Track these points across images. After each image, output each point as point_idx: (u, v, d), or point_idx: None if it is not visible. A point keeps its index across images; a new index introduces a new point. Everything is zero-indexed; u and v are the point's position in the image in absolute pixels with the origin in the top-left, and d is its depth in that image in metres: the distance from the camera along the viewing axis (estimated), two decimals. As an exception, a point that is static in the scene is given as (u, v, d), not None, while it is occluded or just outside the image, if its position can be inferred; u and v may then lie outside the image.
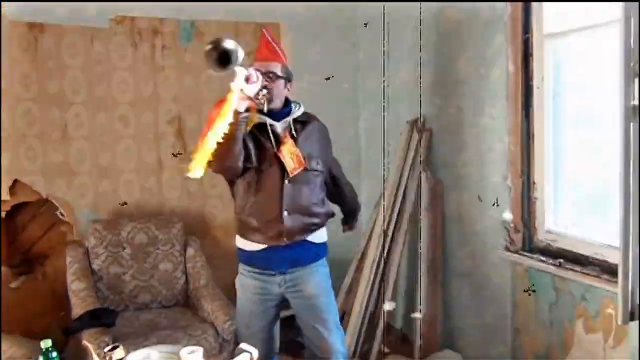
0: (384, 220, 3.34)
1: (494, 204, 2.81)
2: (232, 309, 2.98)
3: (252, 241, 2.31)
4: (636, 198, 1.75)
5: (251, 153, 2.19)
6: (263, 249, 2.30)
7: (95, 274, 3.19)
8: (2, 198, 3.22)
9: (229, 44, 1.88)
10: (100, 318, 2.76)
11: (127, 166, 3.50)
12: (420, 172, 3.25)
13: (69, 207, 3.38)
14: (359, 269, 3.47)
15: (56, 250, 3.38)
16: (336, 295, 3.45)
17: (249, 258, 2.36)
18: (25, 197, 3.30)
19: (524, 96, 2.64)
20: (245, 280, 2.39)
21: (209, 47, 1.87)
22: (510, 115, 2.67)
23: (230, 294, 3.35)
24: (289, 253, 2.29)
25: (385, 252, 3.35)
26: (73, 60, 3.32)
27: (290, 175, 2.22)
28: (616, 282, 1.96)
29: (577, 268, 2.35)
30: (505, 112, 2.70)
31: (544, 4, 2.51)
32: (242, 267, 2.41)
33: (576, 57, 2.55)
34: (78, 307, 2.93)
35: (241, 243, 2.38)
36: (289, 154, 2.23)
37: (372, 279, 3.36)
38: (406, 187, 3.32)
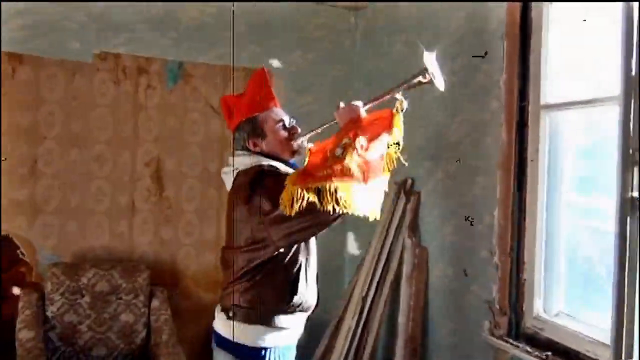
0: (363, 286, 3.13)
1: (465, 274, 2.59)
2: (190, 373, 2.75)
3: (280, 328, 1.90)
4: (633, 296, 1.56)
5: None
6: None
7: (49, 322, 2.96)
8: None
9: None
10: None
11: (98, 208, 3.31)
12: (404, 238, 3.05)
13: (31, 247, 3.17)
14: (334, 337, 3.23)
15: (11, 293, 3.15)
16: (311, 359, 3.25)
17: (279, 355, 1.89)
18: (-16, 232, 3.10)
19: (517, 167, 2.46)
20: None
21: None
22: (501, 186, 2.49)
23: (193, 350, 3.13)
24: None
25: (363, 320, 3.12)
26: (51, 94, 3.18)
27: None
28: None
29: (566, 364, 2.11)
30: (496, 182, 2.52)
31: (542, 74, 2.36)
32: None
33: (574, 130, 2.39)
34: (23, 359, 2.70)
35: (269, 337, 1.88)
36: None
37: (347, 347, 3.13)
38: (390, 251, 3.12)
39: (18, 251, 3.18)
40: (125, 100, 3.34)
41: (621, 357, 1.64)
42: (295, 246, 1.86)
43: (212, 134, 3.53)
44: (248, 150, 1.96)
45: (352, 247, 3.70)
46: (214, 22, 3.47)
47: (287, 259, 1.84)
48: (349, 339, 3.14)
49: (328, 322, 3.32)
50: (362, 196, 1.62)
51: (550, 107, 2.36)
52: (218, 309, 1.98)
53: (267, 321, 1.86)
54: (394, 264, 3.08)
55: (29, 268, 3.20)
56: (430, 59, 1.76)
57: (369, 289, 3.13)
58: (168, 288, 3.33)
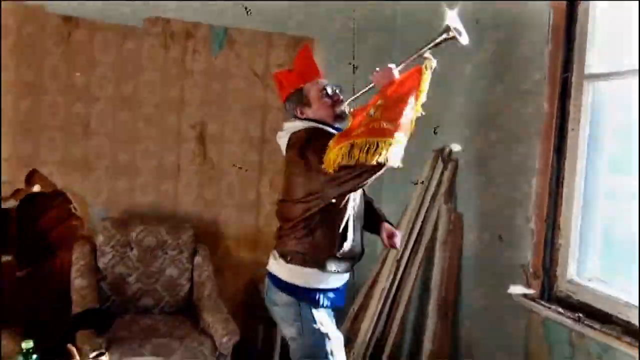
0: (398, 250, 3.23)
1: (500, 238, 2.69)
2: (231, 324, 2.91)
3: (340, 273, 2.13)
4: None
5: None
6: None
7: (100, 273, 3.15)
8: (18, 187, 3.21)
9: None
10: (97, 319, 2.71)
11: (145, 167, 3.47)
12: (440, 204, 3.13)
13: (83, 202, 3.36)
14: (367, 297, 3.36)
15: (65, 245, 3.35)
16: (342, 321, 3.38)
17: (329, 298, 2.14)
18: (43, 187, 3.29)
19: (558, 137, 2.51)
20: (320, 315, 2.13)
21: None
22: (541, 155, 2.54)
23: (234, 308, 3.30)
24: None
25: (397, 282, 3.23)
26: (104, 56, 3.33)
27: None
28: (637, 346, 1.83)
29: (597, 325, 2.19)
30: (535, 151, 2.57)
31: (587, 45, 2.39)
32: (311, 312, 2.11)
33: (616, 102, 2.42)
34: (78, 305, 2.90)
35: (322, 280, 2.10)
36: None
37: (380, 308, 3.25)
38: (425, 217, 3.21)
39: (71, 206, 3.37)
40: (173, 65, 3.46)
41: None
42: (345, 199, 2.04)
43: (254, 99, 3.64)
44: (297, 117, 2.20)
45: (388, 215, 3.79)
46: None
47: (338, 210, 2.04)
48: (382, 299, 3.26)
49: (362, 284, 3.44)
50: (395, 149, 1.80)
51: (593, 77, 2.39)
52: (275, 254, 2.17)
53: (320, 265, 2.07)
54: (429, 229, 3.17)
55: (81, 222, 3.39)
56: (453, 17, 1.92)
57: (403, 252, 3.23)
58: (210, 246, 3.49)
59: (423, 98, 1.94)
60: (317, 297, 2.10)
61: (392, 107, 1.86)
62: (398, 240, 2.32)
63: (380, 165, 1.80)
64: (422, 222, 3.21)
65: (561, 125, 2.50)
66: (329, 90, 2.19)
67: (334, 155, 1.85)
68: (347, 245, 2.09)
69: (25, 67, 3.17)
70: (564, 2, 2.45)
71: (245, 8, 3.46)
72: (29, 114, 3.20)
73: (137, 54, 3.38)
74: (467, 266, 3.06)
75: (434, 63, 1.96)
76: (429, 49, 2.00)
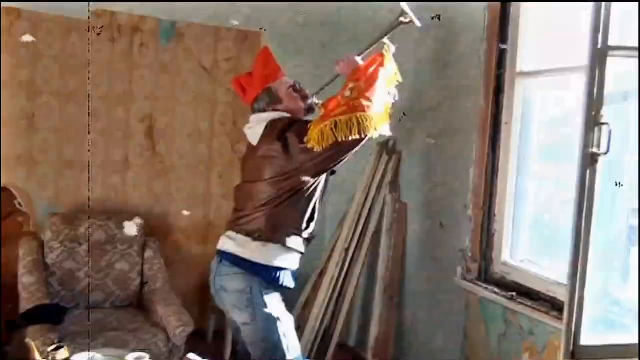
0: (346, 239, 3.36)
1: (441, 225, 2.88)
2: (185, 315, 2.95)
3: (297, 252, 2.23)
4: (587, 241, 1.82)
5: None
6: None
7: (49, 269, 3.12)
8: (-41, 183, 3.13)
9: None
10: (48, 314, 2.69)
11: (93, 161, 3.43)
12: (385, 194, 3.28)
13: (28, 198, 3.30)
14: (317, 285, 3.48)
15: (10, 241, 3.28)
16: (292, 309, 3.49)
17: (289, 277, 2.24)
18: (-19, 183, 3.21)
19: (492, 130, 2.70)
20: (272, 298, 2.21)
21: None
22: (478, 147, 2.73)
23: (185, 300, 3.33)
24: None
25: (345, 270, 3.37)
26: (48, 49, 3.27)
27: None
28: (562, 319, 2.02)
29: (528, 302, 2.40)
30: (473, 143, 2.76)
31: (519, 44, 2.58)
32: (274, 292, 2.21)
33: (545, 97, 2.63)
34: (27, 302, 2.86)
35: (286, 258, 2.20)
36: None
37: (329, 295, 3.38)
38: (371, 207, 3.36)
39: (15, 201, 3.31)
40: (120, 58, 3.44)
41: (575, 292, 1.91)
42: (316, 180, 2.17)
43: (202, 93, 3.66)
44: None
45: (336, 205, 3.92)
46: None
47: (307, 191, 2.16)
48: (331, 287, 3.38)
49: (310, 273, 3.56)
50: (373, 121, 2.00)
51: (524, 74, 2.59)
52: (232, 235, 2.22)
53: (284, 243, 2.17)
54: (375, 218, 3.33)
55: (26, 218, 3.33)
56: (405, 5, 2.15)
57: (351, 241, 3.37)
58: (161, 240, 3.51)
59: (392, 78, 2.18)
60: (277, 275, 2.18)
61: (366, 87, 2.05)
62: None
63: (360, 139, 1.98)
64: (369, 211, 3.35)
65: (496, 118, 2.70)
66: (297, 86, 2.32)
67: (318, 132, 1.99)
68: (312, 226, 2.23)
69: (-36, 60, 3.08)
70: (498, 4, 2.64)
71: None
72: (-31, 108, 3.11)
73: (82, 47, 3.34)
74: (411, 252, 3.24)
75: (392, 47, 2.17)
76: (387, 34, 2.18)
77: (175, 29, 3.54)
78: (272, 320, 2.16)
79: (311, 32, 3.91)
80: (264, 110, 2.28)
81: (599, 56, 1.74)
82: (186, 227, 3.71)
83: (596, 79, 1.73)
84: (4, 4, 3.12)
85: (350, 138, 1.97)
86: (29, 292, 2.93)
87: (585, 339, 1.80)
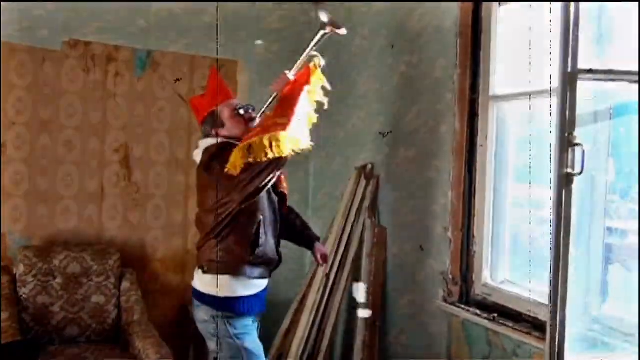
0: (327, 264, 3.34)
1: (421, 248, 2.93)
2: (164, 348, 2.89)
3: (254, 278, 2.22)
4: (566, 261, 1.84)
5: None
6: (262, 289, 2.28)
7: (21, 304, 3.03)
8: None
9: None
10: (22, 352, 2.61)
11: (67, 192, 3.38)
12: (365, 219, 3.29)
13: (0, 231, 3.22)
14: (298, 311, 3.44)
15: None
16: (274, 337, 3.44)
17: (247, 304, 2.23)
18: (-48, 217, 3.12)
19: (468, 153, 2.74)
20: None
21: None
22: (455, 169, 2.77)
23: (164, 332, 3.26)
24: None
25: (326, 296, 3.34)
26: (20, 80, 3.23)
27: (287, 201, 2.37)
28: (545, 339, 2.03)
29: (510, 323, 2.41)
30: (450, 166, 2.79)
31: (491, 69, 2.65)
32: (236, 327, 2.21)
33: (518, 119, 2.69)
34: (-1, 339, 2.77)
35: (238, 287, 2.20)
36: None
37: (311, 321, 3.34)
38: (351, 232, 3.35)
39: (-14, 235, 3.22)
40: (94, 88, 3.41)
41: (557, 312, 1.93)
42: (254, 204, 2.17)
43: (179, 121, 3.65)
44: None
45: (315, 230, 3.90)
46: (183, 13, 3.58)
47: (248, 216, 2.16)
48: (313, 314, 3.35)
49: (292, 299, 3.52)
50: (290, 140, 2.00)
51: (498, 98, 2.65)
52: (197, 268, 2.27)
53: (234, 272, 2.17)
54: (355, 243, 3.32)
55: (-2, 252, 3.25)
56: (324, 15, 2.27)
57: (332, 266, 3.35)
58: (138, 270, 3.45)
59: (318, 91, 2.22)
60: (233, 305, 2.19)
61: (283, 103, 2.10)
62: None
63: (278, 159, 1.99)
64: (349, 236, 3.35)
65: (471, 141, 2.75)
66: (242, 110, 2.34)
67: (234, 157, 2.01)
68: (259, 251, 2.20)
69: None
70: (470, 30, 2.70)
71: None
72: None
73: (56, 77, 3.31)
74: (392, 276, 3.23)
75: (321, 60, 2.24)
76: (313, 47, 2.26)
77: (151, 58, 3.53)
78: (235, 351, 2.20)
79: (287, 59, 3.93)
80: (209, 134, 2.32)
81: (570, 79, 1.78)
82: (164, 257, 3.65)
83: (568, 101, 1.78)
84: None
85: (263, 159, 1.97)
86: (0, 328, 2.84)
87: (569, 359, 1.81)
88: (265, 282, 2.32)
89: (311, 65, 2.20)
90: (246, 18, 3.77)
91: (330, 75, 3.79)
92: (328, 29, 2.22)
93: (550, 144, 1.79)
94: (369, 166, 3.37)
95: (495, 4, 2.65)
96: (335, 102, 3.70)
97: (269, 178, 2.06)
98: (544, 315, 2.27)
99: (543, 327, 2.24)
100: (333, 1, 3.76)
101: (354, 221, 3.34)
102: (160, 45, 3.55)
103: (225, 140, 2.25)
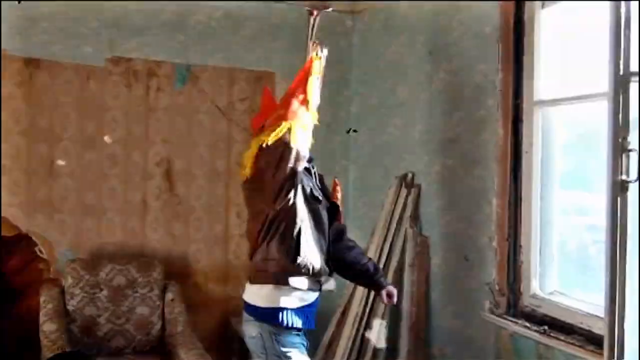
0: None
1: (465, 259, 2.85)
2: (207, 359, 2.90)
3: (298, 290, 2.14)
4: (623, 271, 1.76)
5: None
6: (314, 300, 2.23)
7: (69, 315, 3.10)
8: (-20, 232, 3.16)
9: None
10: (71, 363, 2.66)
11: (111, 206, 3.45)
12: (406, 228, 3.24)
13: (49, 245, 3.31)
14: (340, 323, 3.41)
15: (32, 288, 3.28)
16: (316, 349, 3.41)
17: (289, 317, 2.14)
18: (4, 231, 3.22)
19: (513, 159, 2.67)
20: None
21: None
22: (499, 177, 2.69)
23: (207, 343, 3.28)
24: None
25: (369, 307, 3.30)
26: (66, 97, 3.33)
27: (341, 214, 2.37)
28: (601, 353, 1.94)
29: (562, 336, 2.31)
30: (493, 174, 2.72)
31: (535, 73, 2.57)
32: (284, 344, 2.13)
33: (565, 124, 2.60)
34: (48, 350, 2.83)
35: (280, 297, 2.12)
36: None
37: (353, 334, 3.30)
38: (392, 242, 3.30)
39: (36, 248, 3.31)
40: (136, 103, 3.49)
41: (615, 326, 1.84)
42: (292, 211, 2.11)
43: (218, 134, 3.69)
44: None
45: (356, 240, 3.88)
46: (220, 26, 3.63)
47: (287, 223, 2.10)
48: (355, 324, 3.31)
49: (334, 310, 3.49)
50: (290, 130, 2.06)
51: (543, 103, 2.57)
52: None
53: (278, 281, 2.11)
54: (396, 253, 3.27)
55: (47, 264, 3.34)
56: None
57: (373, 277, 3.31)
58: (180, 282, 3.49)
59: (315, 82, 2.24)
60: (279, 316, 2.10)
61: (286, 96, 2.20)
62: (395, 298, 2.46)
63: (285, 145, 2.04)
64: (390, 246, 3.30)
65: (515, 148, 2.67)
66: None
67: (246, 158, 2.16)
68: (302, 259, 2.10)
69: (-15, 111, 3.14)
70: (511, 34, 2.64)
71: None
72: (-10, 157, 3.16)
73: (100, 94, 3.40)
74: (435, 287, 3.16)
75: (322, 51, 2.27)
76: (313, 33, 2.37)
77: (190, 72, 3.59)
78: None
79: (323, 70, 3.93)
80: None
81: (622, 83, 1.71)
82: (205, 269, 3.69)
83: (620, 105, 1.71)
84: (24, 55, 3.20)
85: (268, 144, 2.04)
86: (49, 340, 2.91)
87: (628, 375, 1.73)
88: (313, 297, 2.21)
89: (313, 54, 2.25)
90: (282, 29, 3.80)
91: (368, 83, 3.80)
92: (315, 12, 2.35)
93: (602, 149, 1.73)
94: (410, 175, 3.32)
95: (538, 6, 2.58)
96: (373, 111, 3.74)
97: (283, 165, 2.06)
98: (598, 328, 2.18)
99: (597, 341, 2.16)
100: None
101: (395, 231, 3.29)
102: (200, 59, 3.60)
103: None
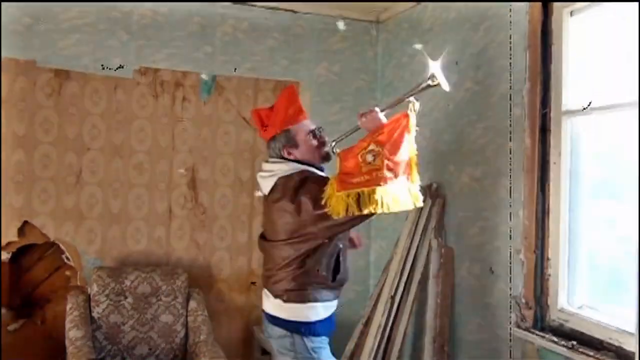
0: (392, 286, 3.27)
1: (491, 271, 2.81)
2: (230, 368, 2.90)
3: (328, 301, 2.23)
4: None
5: None
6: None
7: (95, 322, 3.13)
8: (10, 239, 3.22)
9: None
10: (95, 370, 2.68)
11: (137, 214, 3.50)
12: (431, 239, 3.20)
13: (75, 252, 3.36)
14: (363, 334, 3.37)
15: (58, 295, 3.34)
16: (338, 359, 3.38)
17: (322, 326, 2.22)
18: (33, 238, 3.29)
19: (540, 170, 2.61)
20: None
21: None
22: (526, 188, 2.64)
23: (230, 352, 3.29)
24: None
25: (392, 318, 3.26)
26: (95, 107, 3.38)
27: None
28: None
29: (591, 352, 2.25)
30: (520, 184, 2.67)
31: (563, 82, 2.52)
32: (313, 342, 2.19)
33: (594, 134, 2.54)
34: (73, 357, 2.86)
35: (314, 311, 2.18)
36: None
37: (376, 345, 3.26)
38: (416, 253, 3.27)
39: (63, 256, 3.37)
40: (163, 113, 3.53)
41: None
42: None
43: (243, 143, 3.71)
44: (283, 157, 2.25)
45: (379, 251, 3.84)
46: (246, 37, 3.67)
47: (329, 245, 2.15)
48: (378, 336, 3.27)
49: (356, 321, 3.46)
50: (396, 194, 1.89)
51: (571, 112, 2.51)
52: (268, 294, 2.24)
53: (315, 298, 2.17)
54: (420, 264, 3.23)
55: (74, 272, 3.38)
56: (436, 66, 2.07)
57: (397, 288, 3.27)
58: (204, 290, 3.50)
59: (413, 139, 2.01)
60: (315, 328, 2.18)
61: (390, 154, 1.93)
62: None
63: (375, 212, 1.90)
64: (414, 257, 3.26)
65: (543, 158, 2.61)
66: (316, 132, 2.26)
67: (340, 202, 1.93)
68: (340, 277, 2.23)
69: (17, 121, 3.21)
70: (539, 42, 2.59)
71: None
72: (20, 166, 3.23)
73: (127, 104, 3.45)
74: (460, 299, 3.11)
75: (417, 105, 2.03)
76: (414, 94, 2.07)
77: (216, 82, 3.62)
78: None
79: (348, 79, 3.95)
80: (278, 151, 2.25)
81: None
82: (229, 277, 3.70)
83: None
84: (55, 66, 3.27)
85: (370, 211, 1.89)
86: (75, 346, 2.94)
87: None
88: (336, 303, 2.31)
89: (409, 110, 2.00)
90: (307, 39, 3.82)
91: (393, 93, 3.78)
92: (435, 82, 2.05)
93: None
94: (434, 185, 3.28)
95: (567, 13, 2.53)
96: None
97: (360, 222, 2.04)
98: (629, 344, 2.11)
99: (628, 357, 2.09)
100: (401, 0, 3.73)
101: (420, 242, 3.26)
102: (225, 69, 3.63)
103: (302, 167, 2.20)
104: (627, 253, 2.26)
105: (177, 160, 3.57)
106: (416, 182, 1.97)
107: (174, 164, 3.57)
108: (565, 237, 2.54)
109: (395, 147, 1.94)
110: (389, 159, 1.91)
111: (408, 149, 1.97)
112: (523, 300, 2.63)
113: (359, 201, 1.89)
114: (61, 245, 3.34)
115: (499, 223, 2.83)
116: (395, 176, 1.90)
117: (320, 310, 2.19)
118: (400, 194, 1.91)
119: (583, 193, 2.55)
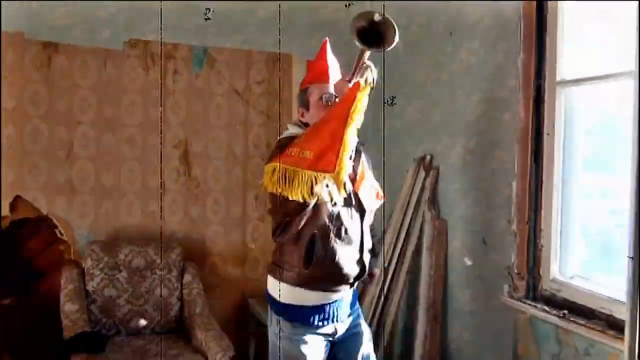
0: (384, 258, 3.29)
1: (484, 242, 2.80)
2: (225, 340, 2.93)
3: (323, 291, 2.02)
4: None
5: None
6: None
7: (90, 296, 3.14)
8: (2, 214, 3.20)
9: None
10: (90, 342, 2.70)
11: (130, 188, 3.48)
12: (424, 211, 3.21)
13: (69, 226, 3.35)
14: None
15: (52, 269, 3.33)
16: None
17: (297, 314, 2.02)
18: (25, 213, 3.27)
19: (534, 142, 2.61)
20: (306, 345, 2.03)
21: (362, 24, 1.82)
22: (520, 159, 2.64)
23: (225, 325, 3.31)
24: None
25: (385, 290, 3.29)
26: (84, 80, 3.34)
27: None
28: (622, 338, 1.91)
29: (582, 321, 2.28)
30: (514, 156, 2.67)
31: (558, 52, 2.50)
32: (294, 330, 2.03)
33: (587, 105, 2.53)
34: (69, 330, 2.88)
35: (290, 294, 2.01)
36: (370, 188, 2.11)
37: (370, 316, 3.30)
38: (410, 225, 3.28)
39: (56, 230, 3.36)
40: (154, 86, 3.49)
41: (636, 311, 1.80)
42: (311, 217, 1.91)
43: (235, 116, 3.68)
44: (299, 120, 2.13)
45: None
46: (238, 9, 3.60)
47: (300, 228, 1.91)
48: (372, 307, 3.31)
49: (351, 293, 3.48)
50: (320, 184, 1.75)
51: (565, 83, 2.50)
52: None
53: (285, 278, 2.01)
54: (414, 236, 3.25)
55: (67, 246, 3.38)
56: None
57: (390, 260, 3.30)
58: (198, 264, 3.51)
59: (359, 114, 1.79)
60: (282, 309, 2.03)
61: (314, 133, 1.80)
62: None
63: (304, 203, 1.77)
64: (407, 229, 3.28)
65: (537, 129, 2.61)
66: (325, 98, 2.04)
67: (266, 176, 1.83)
68: (317, 267, 1.96)
69: (6, 94, 3.16)
70: (534, 12, 2.56)
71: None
72: (11, 140, 3.19)
73: (117, 77, 3.40)
74: (453, 270, 3.14)
75: (372, 76, 1.90)
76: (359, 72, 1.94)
77: (208, 54, 3.57)
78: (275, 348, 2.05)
79: (342, 52, 3.89)
80: (298, 110, 2.13)
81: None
82: (223, 251, 3.70)
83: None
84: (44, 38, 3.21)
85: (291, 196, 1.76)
86: (70, 320, 2.95)
87: (650, 360, 1.69)
88: (336, 296, 2.05)
89: (362, 81, 1.82)
90: (300, 11, 3.75)
91: (386, 64, 3.74)
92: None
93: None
94: (428, 157, 3.28)
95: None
96: (391, 92, 3.68)
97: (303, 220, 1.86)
98: (619, 313, 2.14)
99: (618, 326, 2.12)
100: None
101: (413, 214, 3.27)
102: (217, 41, 3.58)
103: (293, 134, 2.01)
104: (619, 225, 2.28)
105: (169, 134, 3.54)
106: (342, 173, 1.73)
107: (166, 137, 3.53)
108: (557, 208, 2.56)
109: (323, 126, 1.80)
110: (310, 140, 1.79)
111: (341, 126, 1.74)
112: (516, 271, 2.65)
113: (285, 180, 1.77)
114: (54, 220, 3.32)
115: (492, 195, 2.84)
116: (314, 161, 1.73)
117: (286, 292, 2.00)
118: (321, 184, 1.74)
119: (576, 165, 2.55)
